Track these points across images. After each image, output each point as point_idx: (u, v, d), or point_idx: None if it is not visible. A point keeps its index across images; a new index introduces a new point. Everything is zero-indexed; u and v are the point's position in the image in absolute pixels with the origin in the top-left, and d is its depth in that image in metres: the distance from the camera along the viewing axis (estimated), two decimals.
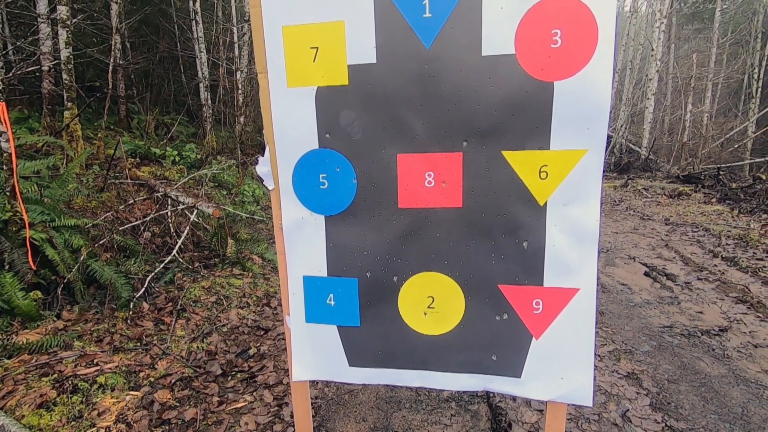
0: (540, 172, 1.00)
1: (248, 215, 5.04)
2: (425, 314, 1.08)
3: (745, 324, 3.06)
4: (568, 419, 2.06)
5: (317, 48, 1.00)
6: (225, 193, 5.95)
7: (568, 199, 1.01)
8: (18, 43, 5.77)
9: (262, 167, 1.12)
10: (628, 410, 2.12)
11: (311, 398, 2.26)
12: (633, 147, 13.71)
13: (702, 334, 2.93)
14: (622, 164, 10.75)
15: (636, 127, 15.75)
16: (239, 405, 2.14)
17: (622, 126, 14.89)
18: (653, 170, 10.44)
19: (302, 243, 1.10)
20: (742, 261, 4.33)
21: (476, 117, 0.98)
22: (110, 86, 5.48)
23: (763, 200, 6.54)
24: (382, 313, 1.10)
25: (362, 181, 1.05)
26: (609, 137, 15.56)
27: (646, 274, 4.12)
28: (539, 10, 0.90)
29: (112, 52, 5.95)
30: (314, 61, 1.01)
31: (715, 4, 14.76)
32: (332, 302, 1.09)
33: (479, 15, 0.93)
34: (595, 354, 2.67)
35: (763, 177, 8.07)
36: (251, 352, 2.66)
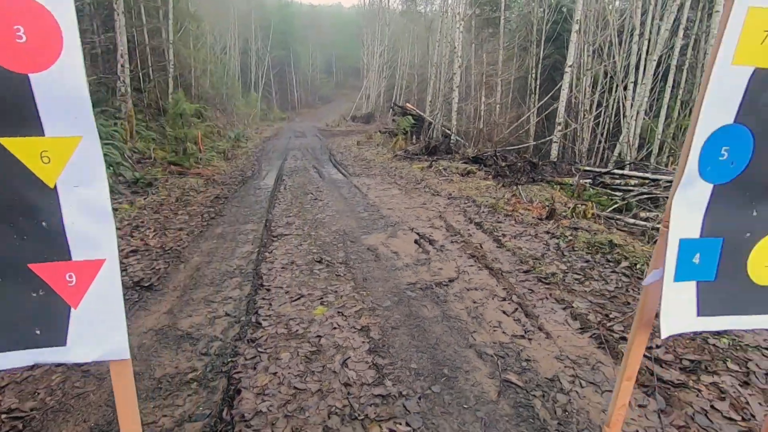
0: (42, 156, 1.07)
1: None
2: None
3: (468, 273, 3.87)
4: (318, 370, 2.34)
5: None
6: None
7: (77, 181, 1.11)
8: None
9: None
10: (348, 358, 2.51)
11: (26, 410, 2.06)
12: (447, 131, 15.72)
13: (435, 286, 3.61)
14: (430, 147, 12.19)
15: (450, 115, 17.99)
16: None
17: (437, 113, 16.89)
18: (454, 152, 12.14)
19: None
20: (486, 224, 5.43)
21: None
22: None
23: (518, 176, 8.23)
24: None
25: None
26: (429, 123, 17.23)
27: (416, 241, 4.84)
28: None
29: None
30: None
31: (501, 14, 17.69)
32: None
33: None
34: (342, 315, 3.14)
35: (522, 157, 10.16)
36: None
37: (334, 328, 2.85)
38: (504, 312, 3.12)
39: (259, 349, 2.60)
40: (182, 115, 12.84)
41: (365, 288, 3.54)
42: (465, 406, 2.13)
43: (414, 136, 17.10)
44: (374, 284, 3.63)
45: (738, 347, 2.65)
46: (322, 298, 3.31)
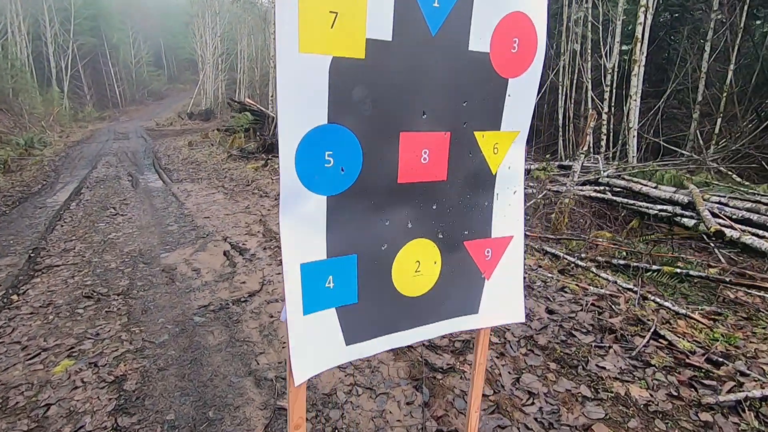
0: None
1: None
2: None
3: (273, 283, 3.60)
4: None
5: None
6: None
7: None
8: None
9: None
10: (81, 427, 1.99)
11: None
12: None
13: (232, 304, 3.24)
14: (267, 144, 11.60)
15: None
16: None
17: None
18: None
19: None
20: None
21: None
22: None
23: None
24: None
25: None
26: (272, 119, 16.43)
27: (224, 253, 4.38)
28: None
29: None
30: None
31: None
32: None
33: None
34: (94, 366, 2.51)
35: None
36: None
37: (75, 387, 2.27)
38: None
39: None
40: None
41: (140, 323, 2.97)
42: None
43: (256, 134, 16.16)
44: (155, 315, 3.09)
45: None
46: (72, 348, 2.65)
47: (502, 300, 1.36)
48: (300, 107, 0.94)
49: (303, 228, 1.02)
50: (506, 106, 1.20)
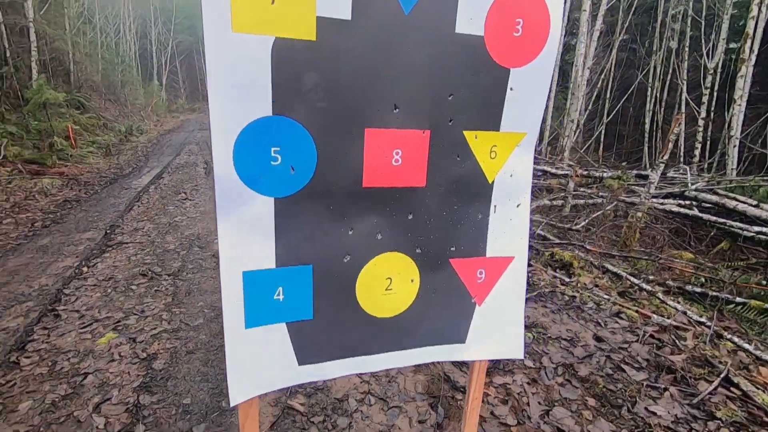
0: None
1: None
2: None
3: None
4: None
5: None
6: None
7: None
8: None
9: None
10: (108, 400, 2.11)
11: None
12: None
13: None
14: None
15: None
16: None
17: None
18: None
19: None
20: None
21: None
22: None
23: None
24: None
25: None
26: None
27: None
28: None
29: None
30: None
31: None
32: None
33: None
34: (133, 342, 2.69)
35: None
36: None
37: (112, 360, 2.43)
38: None
39: None
40: (46, 105, 11.24)
41: (182, 304, 3.13)
42: None
43: None
44: (196, 298, 3.24)
45: (540, 341, 2.66)
46: (119, 322, 2.85)
47: (497, 331, 1.16)
48: (236, 96, 0.82)
49: (246, 232, 0.91)
50: (507, 101, 1.00)
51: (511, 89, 1.00)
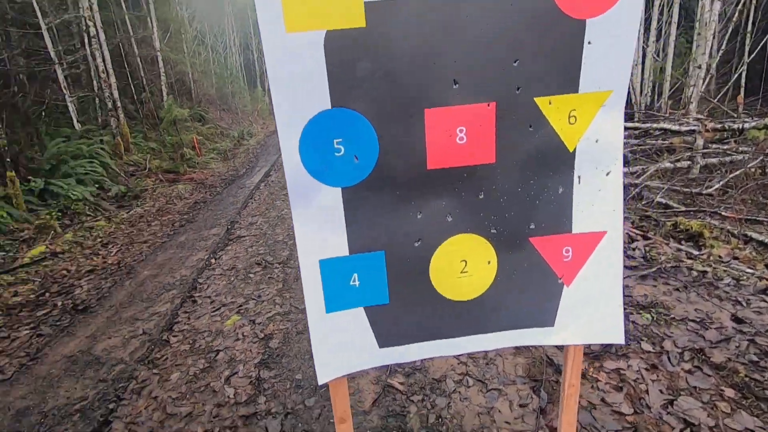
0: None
1: None
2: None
3: None
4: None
5: None
6: None
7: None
8: None
9: None
10: (236, 373, 2.43)
11: None
12: None
13: None
14: None
15: None
16: None
17: None
18: None
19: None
20: None
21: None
22: None
23: None
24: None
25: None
26: None
27: None
28: None
29: None
30: None
31: None
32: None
33: None
34: (253, 323, 3.04)
35: None
36: None
37: (237, 339, 2.77)
38: None
39: (154, 370, 2.57)
40: (175, 122, 13.06)
41: (291, 289, 3.44)
42: (332, 421, 2.01)
43: None
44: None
45: (661, 322, 2.36)
46: (241, 306, 3.24)
47: (590, 313, 1.06)
48: (297, 93, 0.86)
49: (318, 222, 0.95)
50: (586, 58, 0.88)
51: (589, 43, 0.88)
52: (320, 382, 1.02)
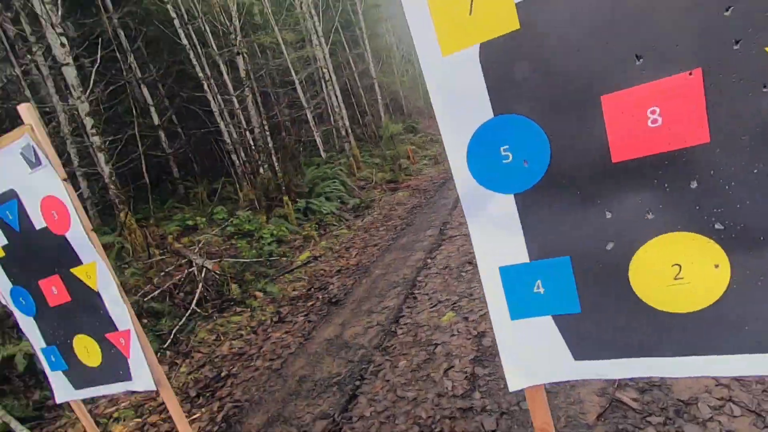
0: None
1: (256, 258, 6.14)
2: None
3: None
4: None
5: None
6: (247, 240, 7.18)
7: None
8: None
9: None
10: (452, 367, 2.58)
11: None
12: None
13: None
14: None
15: None
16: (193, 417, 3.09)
17: None
18: None
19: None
20: None
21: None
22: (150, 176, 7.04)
23: None
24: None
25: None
26: None
27: None
28: None
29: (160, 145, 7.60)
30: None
31: None
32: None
33: None
34: (467, 320, 3.08)
35: None
36: (222, 374, 3.62)
37: (453, 335, 2.94)
38: None
39: (386, 357, 2.99)
40: (392, 137, 14.79)
41: None
42: None
43: None
44: None
45: None
46: (455, 304, 3.41)
47: None
48: (458, 110, 0.88)
49: (494, 229, 0.94)
50: None
51: None
52: (511, 389, 1.01)
